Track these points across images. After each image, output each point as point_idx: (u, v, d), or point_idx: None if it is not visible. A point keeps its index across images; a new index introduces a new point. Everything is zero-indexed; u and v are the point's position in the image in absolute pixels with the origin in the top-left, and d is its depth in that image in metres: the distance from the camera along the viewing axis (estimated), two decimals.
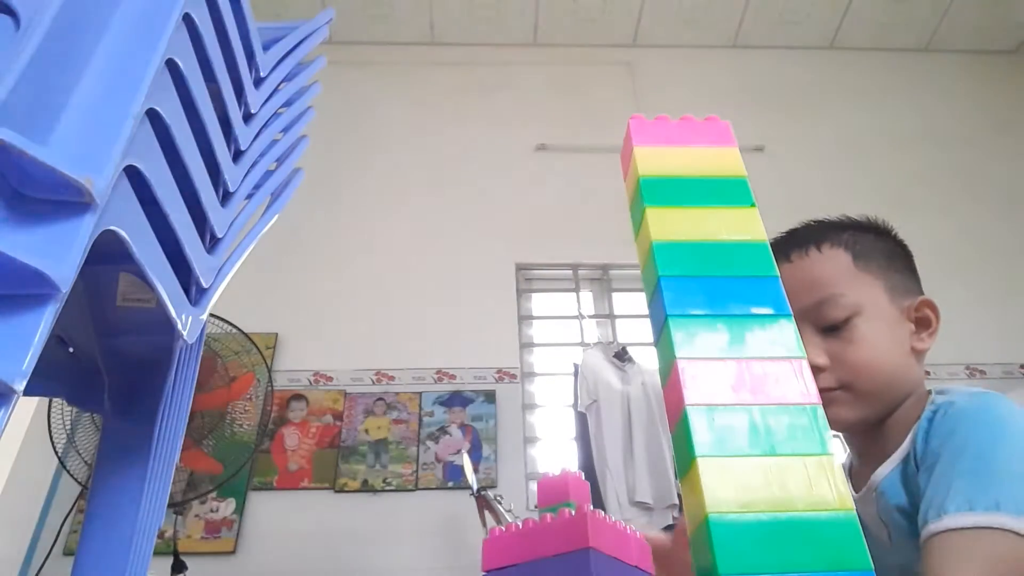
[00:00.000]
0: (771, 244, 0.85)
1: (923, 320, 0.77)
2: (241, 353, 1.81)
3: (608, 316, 2.89)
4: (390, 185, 3.12)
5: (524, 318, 2.86)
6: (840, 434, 0.82)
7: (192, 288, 0.54)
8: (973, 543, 0.58)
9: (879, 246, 0.80)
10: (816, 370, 0.72)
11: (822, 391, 0.72)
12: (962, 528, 0.59)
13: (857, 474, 0.79)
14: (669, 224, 0.39)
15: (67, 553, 2.14)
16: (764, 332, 0.36)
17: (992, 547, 0.57)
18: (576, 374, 2.54)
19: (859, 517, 0.75)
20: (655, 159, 0.42)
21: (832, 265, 0.77)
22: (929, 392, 0.74)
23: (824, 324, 0.74)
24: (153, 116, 0.43)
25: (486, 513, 1.93)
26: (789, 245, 0.80)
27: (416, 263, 2.89)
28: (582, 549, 0.38)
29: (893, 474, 0.71)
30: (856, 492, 0.77)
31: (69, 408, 1.70)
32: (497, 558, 0.43)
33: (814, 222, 0.84)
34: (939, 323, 0.78)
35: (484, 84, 3.46)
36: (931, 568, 0.59)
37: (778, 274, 0.38)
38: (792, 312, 0.78)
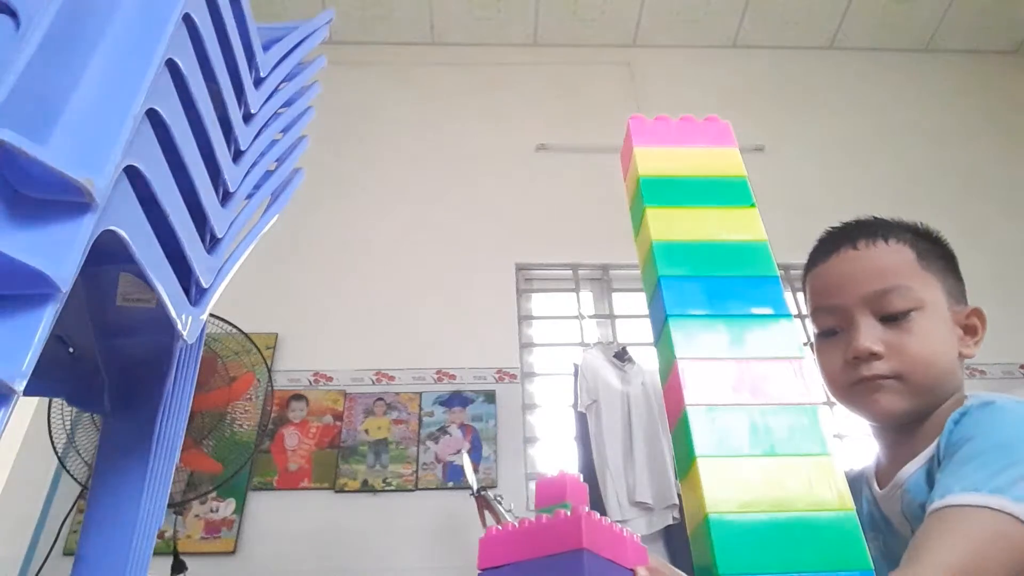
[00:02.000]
0: (832, 232, 0.85)
1: (971, 328, 0.78)
2: (241, 353, 1.81)
3: (608, 316, 2.89)
4: (390, 185, 3.12)
5: (524, 318, 2.85)
6: (873, 430, 0.82)
7: (192, 288, 0.54)
8: (967, 518, 0.58)
9: (937, 251, 0.81)
10: (872, 357, 0.73)
11: (875, 378, 0.72)
12: (960, 505, 0.59)
13: (884, 472, 0.80)
14: (669, 224, 0.39)
15: (67, 553, 2.13)
16: (764, 332, 0.36)
17: (984, 524, 0.57)
18: (576, 374, 2.54)
19: (883, 514, 0.75)
20: (655, 159, 0.42)
21: (900, 258, 0.78)
22: (966, 396, 0.74)
23: (886, 313, 0.74)
24: (153, 116, 0.43)
25: (486, 513, 1.93)
26: (855, 233, 0.81)
27: (416, 263, 2.89)
28: (575, 550, 0.38)
29: (919, 473, 0.71)
30: (881, 489, 0.78)
31: (69, 408, 1.70)
32: (492, 557, 0.43)
33: (874, 218, 0.84)
34: (984, 333, 0.79)
35: (484, 84, 3.46)
36: (922, 536, 0.59)
37: (778, 274, 0.38)
38: (852, 298, 0.77)
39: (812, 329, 0.82)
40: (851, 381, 0.75)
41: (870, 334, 0.73)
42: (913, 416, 0.74)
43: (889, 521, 0.77)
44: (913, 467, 0.72)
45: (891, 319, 0.74)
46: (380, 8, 3.43)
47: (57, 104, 0.37)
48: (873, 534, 0.79)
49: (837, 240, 0.81)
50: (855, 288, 0.76)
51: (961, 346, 0.77)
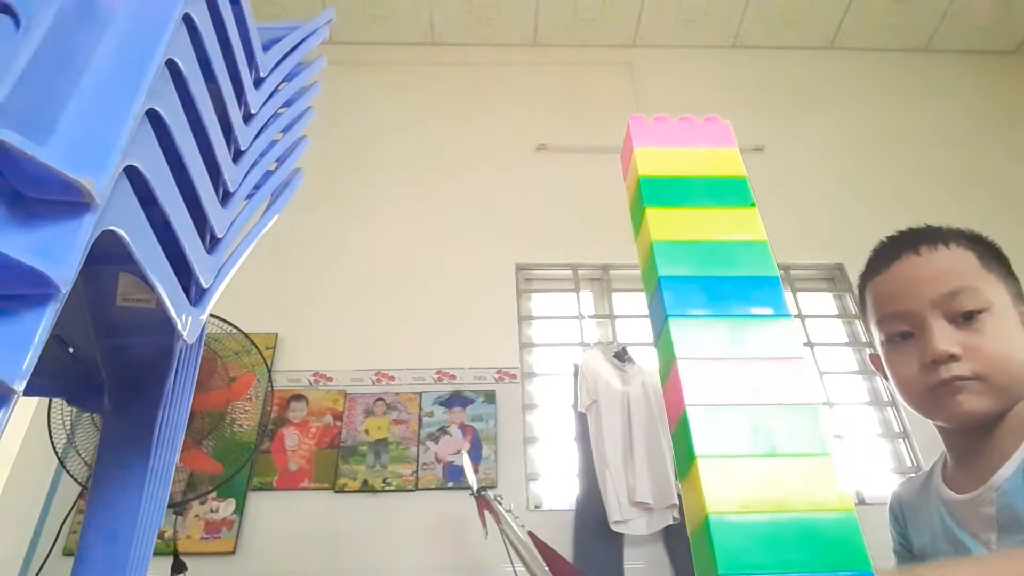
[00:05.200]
0: (890, 240, 0.84)
1: None
2: (241, 353, 1.81)
3: (608, 316, 2.89)
4: (390, 185, 3.12)
5: (524, 318, 2.85)
6: (944, 435, 0.81)
7: (192, 288, 0.54)
8: None
9: (993, 253, 0.81)
10: (950, 359, 0.73)
11: (955, 380, 0.72)
12: None
13: (957, 475, 0.79)
14: (669, 224, 0.39)
15: (67, 553, 2.13)
16: (764, 332, 0.36)
17: None
18: (576, 374, 2.54)
19: (958, 522, 0.74)
20: (655, 159, 0.42)
21: (963, 261, 0.78)
22: None
23: (956, 314, 0.74)
24: (153, 116, 0.43)
25: (486, 513, 1.93)
26: (915, 240, 0.81)
27: (416, 263, 2.89)
28: None
29: (1017, 475, 0.70)
30: (958, 493, 0.76)
31: (69, 408, 1.70)
32: None
33: (928, 225, 0.84)
34: None
35: (484, 84, 3.46)
36: None
37: (778, 274, 0.38)
38: (922, 302, 0.76)
39: (879, 337, 0.82)
40: (930, 385, 0.74)
41: (945, 336, 0.73)
42: (995, 416, 0.74)
43: (964, 529, 0.75)
44: (1008, 470, 0.71)
45: (962, 321, 0.74)
46: (380, 8, 3.43)
47: (57, 104, 0.37)
48: (946, 547, 0.77)
49: (898, 247, 0.81)
50: (923, 292, 0.76)
51: None
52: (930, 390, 0.74)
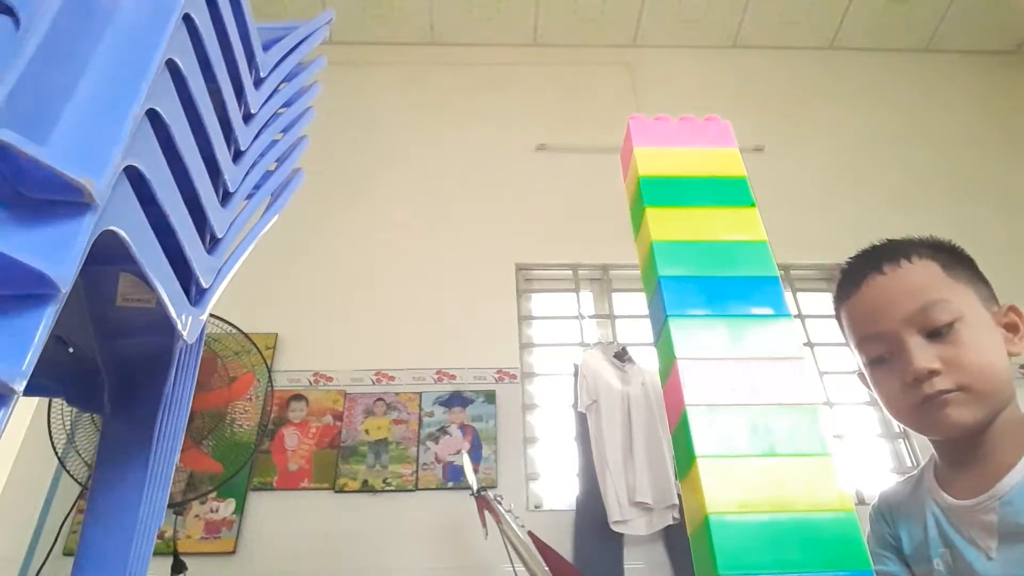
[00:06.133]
0: (853, 261, 0.85)
1: (1010, 326, 0.79)
2: (241, 353, 1.81)
3: (608, 316, 2.89)
4: (390, 185, 3.12)
5: (524, 318, 2.85)
6: (935, 444, 0.81)
7: (192, 288, 0.54)
8: None
9: (958, 259, 0.82)
10: (931, 375, 0.73)
11: (939, 393, 0.72)
12: None
13: (951, 479, 0.79)
14: (669, 224, 0.39)
15: (67, 553, 2.13)
16: (764, 332, 0.36)
17: None
18: (576, 374, 2.54)
19: (955, 527, 0.74)
20: (655, 159, 0.42)
21: (927, 274, 0.78)
22: None
23: (930, 328, 0.74)
24: (153, 116, 0.43)
25: (486, 513, 1.93)
26: (878, 258, 0.81)
27: (416, 263, 2.89)
28: None
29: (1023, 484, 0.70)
30: (955, 498, 0.77)
31: (69, 408, 1.70)
32: None
33: (888, 240, 0.84)
34: None
35: (484, 84, 3.46)
36: None
37: (778, 274, 0.38)
38: (894, 321, 0.76)
39: (860, 359, 0.82)
40: (916, 402, 0.74)
41: (923, 353, 0.73)
42: (986, 424, 0.74)
43: (961, 534, 0.75)
44: (1013, 479, 0.71)
45: (937, 334, 0.74)
46: (380, 8, 3.43)
47: (57, 104, 0.37)
48: (943, 550, 0.77)
49: (861, 269, 0.81)
50: (894, 311, 0.76)
51: (1008, 345, 0.76)
52: (917, 407, 0.74)
